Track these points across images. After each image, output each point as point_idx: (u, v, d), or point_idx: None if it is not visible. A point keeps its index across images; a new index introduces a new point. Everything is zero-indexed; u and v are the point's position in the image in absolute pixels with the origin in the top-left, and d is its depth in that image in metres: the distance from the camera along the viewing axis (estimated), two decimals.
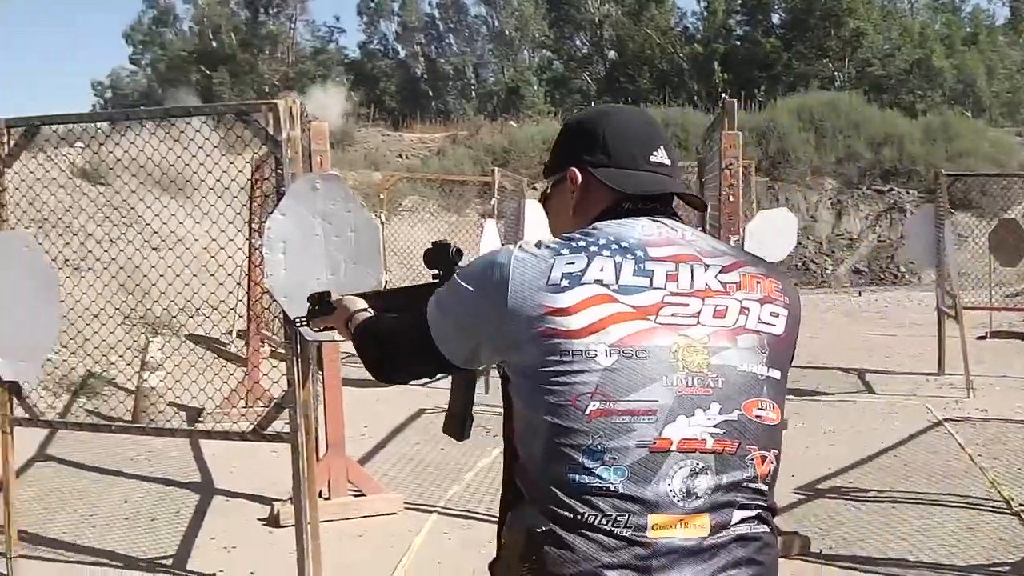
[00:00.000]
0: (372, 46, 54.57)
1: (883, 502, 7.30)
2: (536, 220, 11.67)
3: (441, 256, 2.56)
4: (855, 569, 6.07)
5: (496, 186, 12.35)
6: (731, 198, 6.46)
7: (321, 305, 2.88)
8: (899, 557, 6.18)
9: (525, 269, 2.09)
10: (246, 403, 9.97)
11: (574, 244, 2.12)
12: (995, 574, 6.03)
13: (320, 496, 6.85)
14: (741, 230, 6.54)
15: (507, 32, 49.99)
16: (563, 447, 2.00)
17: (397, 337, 2.40)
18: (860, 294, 23.17)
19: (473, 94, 49.91)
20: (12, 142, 6.28)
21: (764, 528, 2.06)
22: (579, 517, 1.97)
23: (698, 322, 2.08)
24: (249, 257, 9.87)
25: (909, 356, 14.24)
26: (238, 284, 10.95)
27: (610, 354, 2.01)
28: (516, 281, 2.08)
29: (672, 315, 2.07)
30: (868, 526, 6.79)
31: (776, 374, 2.12)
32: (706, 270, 2.14)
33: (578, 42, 50.88)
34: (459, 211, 24.51)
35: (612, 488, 1.96)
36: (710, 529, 1.98)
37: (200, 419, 9.16)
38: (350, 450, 7.88)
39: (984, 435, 9.31)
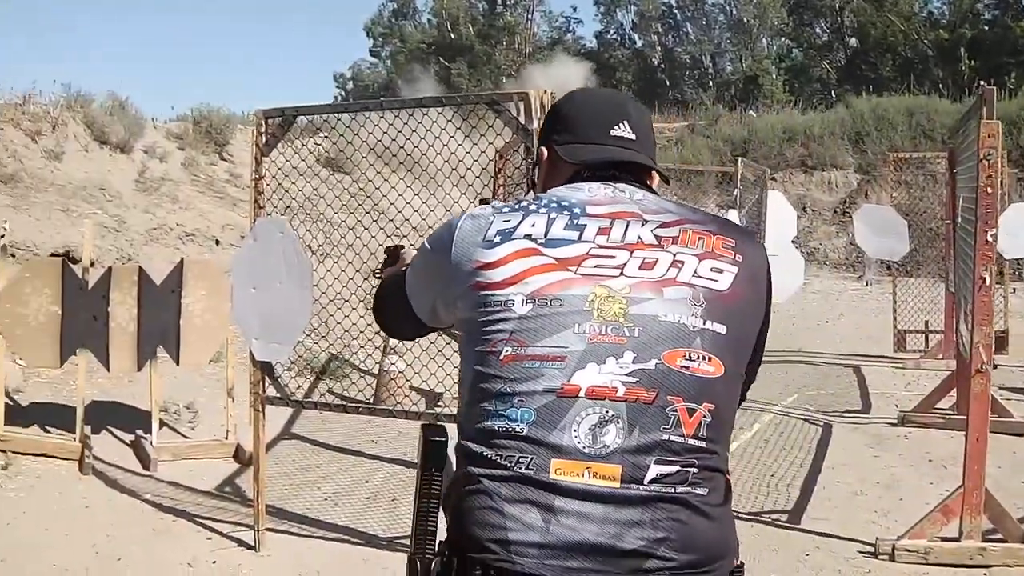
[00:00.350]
0: (609, 36, 54.69)
1: None
2: (778, 212, 11.46)
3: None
4: None
5: (739, 176, 12.12)
6: (989, 189, 6.21)
7: (389, 258, 3.11)
8: None
9: (467, 229, 2.21)
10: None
11: (517, 205, 2.24)
12: None
13: None
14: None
15: (745, 20, 49.27)
16: (481, 392, 2.06)
17: (391, 294, 2.55)
18: None
19: (710, 83, 49.42)
20: (269, 132, 6.55)
21: (690, 489, 1.97)
22: (487, 456, 2.00)
23: (621, 273, 2.09)
24: None
25: None
26: None
27: (526, 303, 2.07)
28: (458, 240, 2.20)
29: (595, 266, 2.10)
30: None
31: (719, 328, 2.07)
32: (643, 225, 2.18)
33: (818, 29, 49.76)
34: (697, 201, 24.27)
35: (518, 430, 1.99)
36: (620, 481, 1.94)
37: (439, 403, 9.33)
38: None
39: None
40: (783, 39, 50.29)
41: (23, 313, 7.98)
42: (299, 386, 9.87)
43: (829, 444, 8.91)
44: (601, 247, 2.13)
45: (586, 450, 1.96)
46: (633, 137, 2.35)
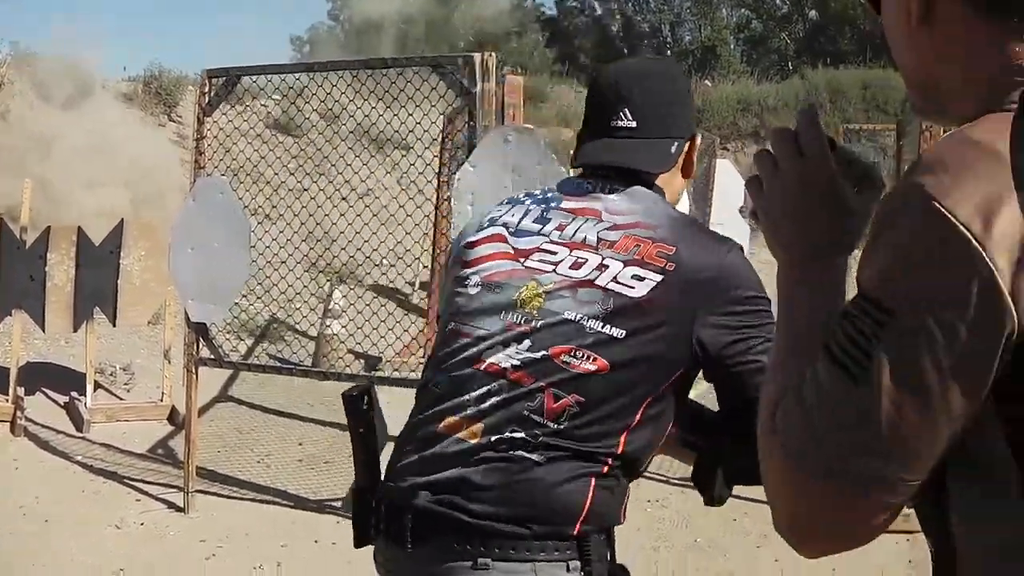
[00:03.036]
0: (569, 3, 54.51)
1: None
2: (726, 181, 11.49)
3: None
4: None
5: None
6: None
7: None
8: None
9: (479, 212, 2.56)
10: (424, 354, 10.08)
11: (517, 196, 2.49)
12: None
13: None
14: None
15: None
16: (433, 355, 2.40)
17: None
18: None
19: (669, 53, 49.38)
20: (213, 92, 6.53)
21: (534, 456, 2.19)
22: (415, 410, 2.35)
23: (554, 270, 2.28)
24: (437, 208, 9.97)
25: None
26: (425, 235, 11.12)
27: (477, 285, 2.34)
28: (469, 222, 2.61)
29: (539, 260, 2.31)
30: None
31: (618, 332, 2.20)
32: (596, 224, 2.32)
33: (778, 1, 49.84)
34: None
35: (437, 390, 2.31)
36: (479, 436, 2.21)
37: (378, 368, 9.32)
38: None
39: None
40: (743, 9, 50.34)
41: None
42: (234, 348, 9.86)
43: None
44: (551, 242, 2.33)
45: (469, 411, 2.25)
46: (633, 125, 2.38)
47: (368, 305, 7.30)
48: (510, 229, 2.38)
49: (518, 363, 2.24)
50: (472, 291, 2.34)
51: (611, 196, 2.36)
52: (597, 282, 2.24)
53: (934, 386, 1.10)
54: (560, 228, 2.33)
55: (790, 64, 42.93)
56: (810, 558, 1.31)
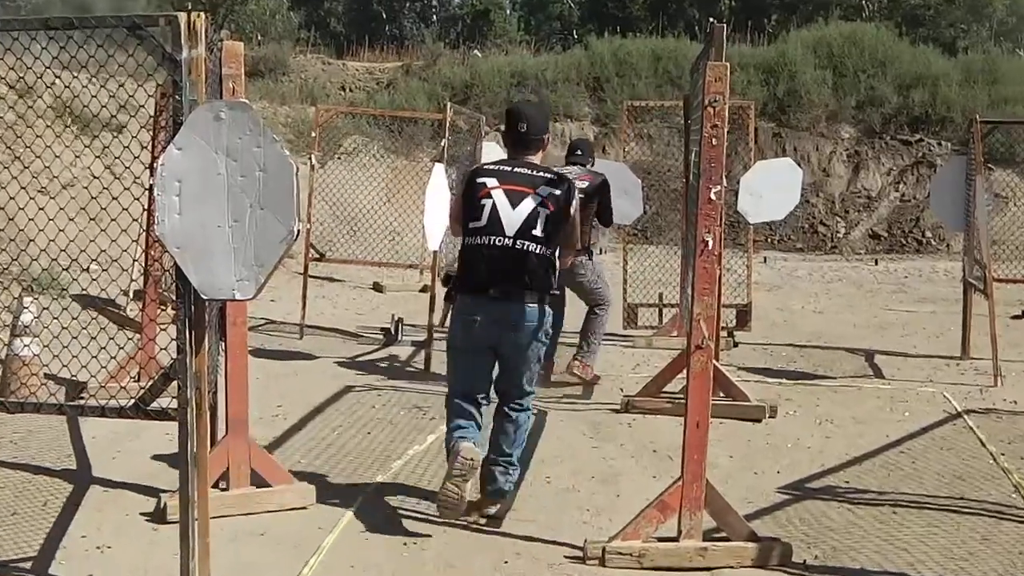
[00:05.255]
0: None
1: (883, 505, 7.35)
2: None
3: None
4: None
5: (447, 125, 12.17)
6: (714, 141, 6.32)
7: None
8: (899, 571, 6.22)
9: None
10: (138, 377, 9.93)
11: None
12: None
13: (216, 486, 6.85)
14: (726, 180, 6.48)
15: None
16: None
17: None
18: (876, 263, 23.23)
19: (434, 18, 49.64)
20: None
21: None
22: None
23: None
24: (151, 202, 9.71)
25: (928, 336, 14.34)
26: (143, 232, 10.82)
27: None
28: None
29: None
30: (863, 533, 6.83)
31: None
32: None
33: None
34: (408, 154, 24.34)
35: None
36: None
37: (83, 394, 9.02)
38: (258, 432, 7.89)
39: (1012, 431, 9.36)
40: None
41: None
42: None
43: (541, 434, 9.11)
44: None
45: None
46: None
47: (75, 319, 7.00)
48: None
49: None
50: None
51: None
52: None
53: None
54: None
55: (575, 32, 43.69)
56: None
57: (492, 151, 12.28)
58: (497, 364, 7.02)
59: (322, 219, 19.12)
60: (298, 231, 5.16)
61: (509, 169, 7.08)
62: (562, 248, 7.13)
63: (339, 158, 22.54)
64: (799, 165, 13.65)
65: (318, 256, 17.84)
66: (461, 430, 6.87)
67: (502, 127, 7.36)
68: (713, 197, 6.38)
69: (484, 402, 7.06)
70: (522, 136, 7.15)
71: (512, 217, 6.85)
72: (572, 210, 7.09)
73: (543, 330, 7.00)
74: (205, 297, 5.25)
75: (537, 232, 6.84)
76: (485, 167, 7.30)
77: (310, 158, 15.26)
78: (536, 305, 6.89)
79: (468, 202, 7.00)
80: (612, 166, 13.12)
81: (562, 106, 27.18)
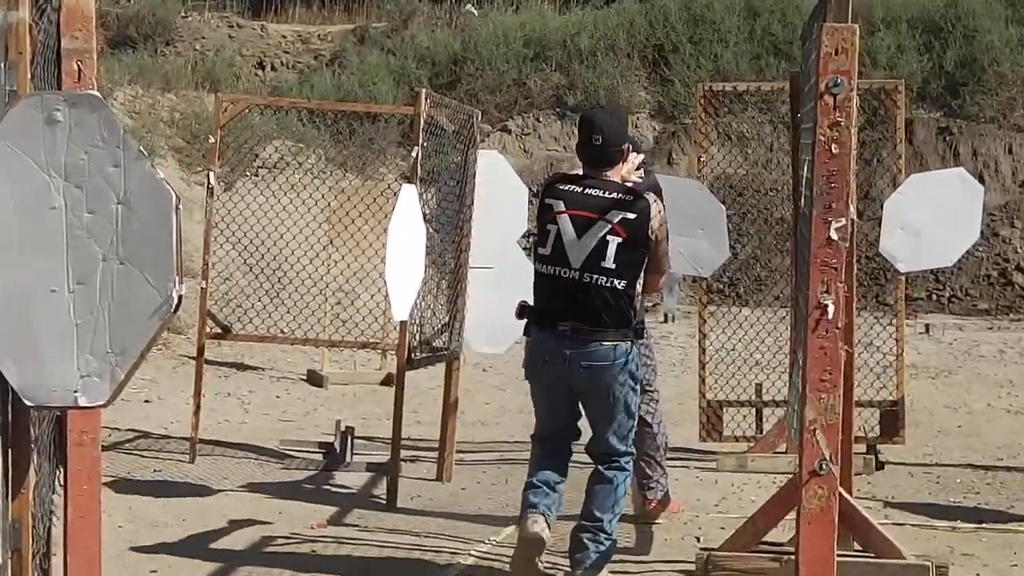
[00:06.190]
0: None
1: None
2: (496, 188, 9.48)
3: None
4: None
5: (422, 123, 9.48)
6: (834, 147, 5.02)
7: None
8: None
9: None
10: None
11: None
12: None
13: None
14: (857, 207, 4.94)
15: None
16: None
17: None
18: None
19: None
20: None
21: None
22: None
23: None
24: None
25: None
26: None
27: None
28: None
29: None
30: None
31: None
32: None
33: None
34: (363, 170, 19.31)
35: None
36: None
37: None
38: None
39: None
40: None
41: None
42: None
43: None
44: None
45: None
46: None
47: None
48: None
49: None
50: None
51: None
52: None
53: None
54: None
55: None
56: None
57: (494, 164, 9.94)
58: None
59: (228, 272, 15.61)
60: (179, 296, 4.06)
61: (580, 190, 7.01)
62: (647, 276, 7.07)
63: (255, 175, 18.04)
64: (980, 179, 11.53)
65: (221, 331, 12.49)
66: (534, 493, 6.96)
67: (551, 130, 7.29)
68: (834, 236, 5.09)
69: (571, 446, 7.25)
70: (598, 150, 7.05)
71: (577, 248, 6.85)
72: (651, 233, 6.96)
73: (626, 371, 6.90)
74: (29, 404, 4.15)
75: (608, 264, 6.81)
76: (558, 185, 7.19)
77: (208, 176, 11.05)
78: (611, 344, 6.83)
79: (539, 223, 7.11)
80: (680, 184, 11.20)
81: (604, 90, 21.85)
